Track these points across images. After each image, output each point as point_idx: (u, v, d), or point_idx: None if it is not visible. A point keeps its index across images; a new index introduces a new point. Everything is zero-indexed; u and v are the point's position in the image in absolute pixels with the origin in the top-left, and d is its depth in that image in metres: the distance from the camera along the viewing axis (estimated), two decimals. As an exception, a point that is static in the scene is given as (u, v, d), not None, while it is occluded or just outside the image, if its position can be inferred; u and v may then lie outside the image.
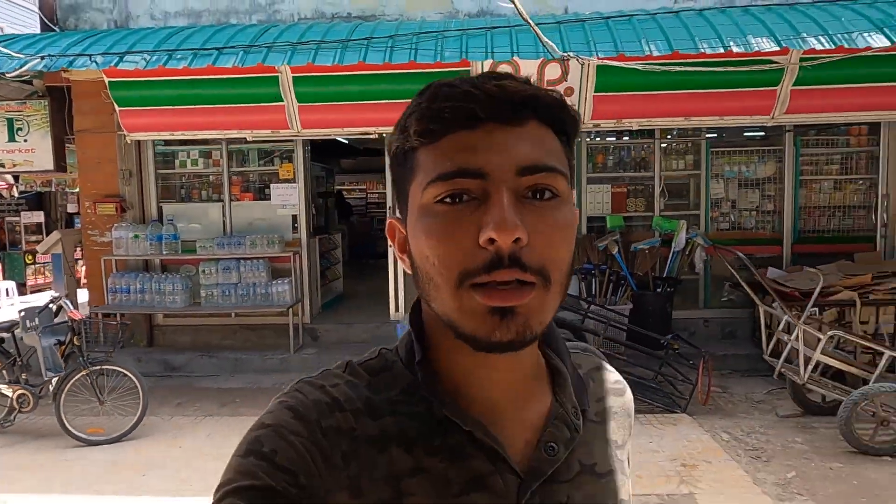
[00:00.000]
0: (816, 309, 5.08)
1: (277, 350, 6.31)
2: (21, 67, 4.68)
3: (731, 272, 4.94)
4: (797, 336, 4.13)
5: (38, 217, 13.77)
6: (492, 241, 0.51)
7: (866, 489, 3.55)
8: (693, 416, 4.65)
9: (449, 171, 0.54)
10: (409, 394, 0.60)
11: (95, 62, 4.76)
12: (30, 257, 12.88)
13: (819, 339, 4.01)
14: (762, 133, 6.41)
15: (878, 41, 4.40)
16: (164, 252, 6.40)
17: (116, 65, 4.79)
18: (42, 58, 4.71)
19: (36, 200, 14.01)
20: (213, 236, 6.49)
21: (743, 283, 4.66)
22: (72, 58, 4.81)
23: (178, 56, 4.80)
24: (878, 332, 5.08)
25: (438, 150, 0.55)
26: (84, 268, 7.24)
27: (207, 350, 6.38)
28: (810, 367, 4.06)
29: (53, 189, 13.45)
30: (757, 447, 4.15)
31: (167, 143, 6.62)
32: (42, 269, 13.00)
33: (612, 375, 0.72)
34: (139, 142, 6.44)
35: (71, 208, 14.46)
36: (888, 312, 5.06)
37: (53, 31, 6.30)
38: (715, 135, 6.39)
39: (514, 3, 3.40)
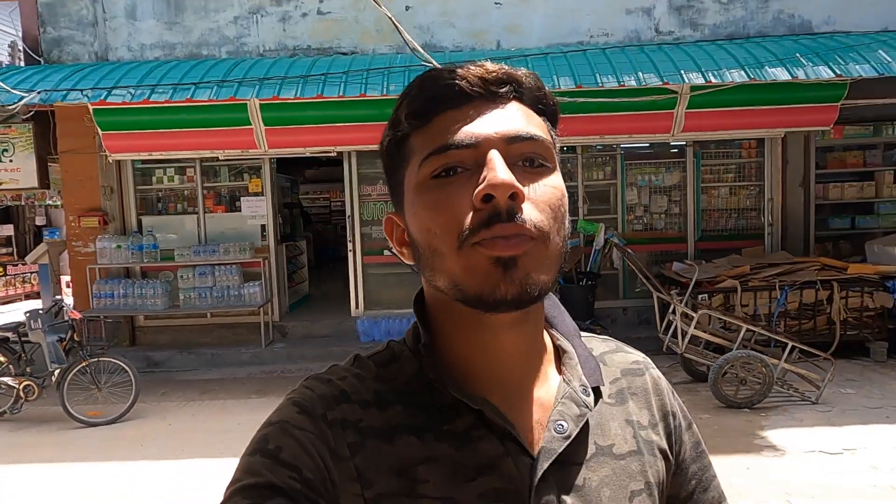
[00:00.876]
0: (706, 294, 6.14)
1: (250, 345, 7.07)
2: (20, 101, 5.36)
3: (635, 267, 5.93)
4: (678, 316, 5.12)
5: (8, 230, 14.11)
6: (487, 198, 0.53)
7: (723, 432, 4.54)
8: (603, 386, 5.61)
9: (442, 145, 0.56)
10: (416, 381, 0.60)
11: (86, 96, 5.48)
12: (0, 269, 13.21)
13: (692, 318, 5.01)
14: (672, 148, 7.46)
15: (739, 76, 5.46)
16: (145, 260, 7.10)
17: (105, 98, 5.52)
18: (38, 92, 5.40)
19: (4, 214, 14.31)
20: (190, 245, 7.22)
21: (640, 276, 5.64)
22: (65, 92, 5.52)
23: (160, 90, 5.55)
24: (756, 313, 6.13)
25: (430, 130, 0.57)
26: (68, 277, 7.85)
27: (186, 347, 7.10)
28: (686, 340, 5.06)
29: (23, 203, 13.82)
30: (648, 406, 5.12)
31: (145, 161, 7.31)
32: (13, 280, 13.35)
33: (630, 356, 0.72)
34: (119, 160, 7.12)
35: (39, 221, 14.82)
36: (763, 297, 6.12)
37: (38, 61, 6.95)
38: (629, 145, 7.42)
39: (426, 54, 4.29)
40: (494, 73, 0.58)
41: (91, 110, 6.39)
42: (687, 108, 6.46)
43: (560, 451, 0.58)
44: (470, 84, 0.57)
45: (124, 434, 4.91)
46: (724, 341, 5.11)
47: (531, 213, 0.54)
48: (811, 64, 5.52)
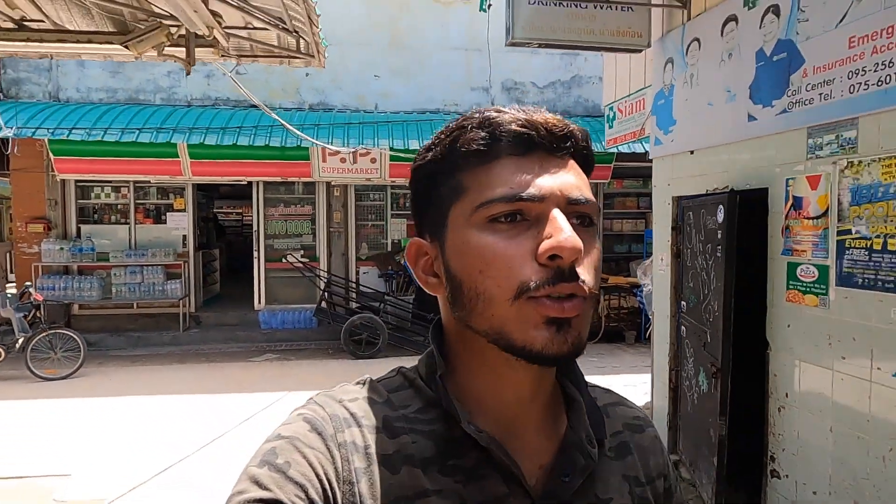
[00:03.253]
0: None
1: (170, 331, 8.88)
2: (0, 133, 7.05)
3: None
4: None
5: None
6: (553, 257, 0.55)
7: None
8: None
9: (509, 195, 0.57)
10: (427, 410, 0.61)
11: (52, 133, 7.23)
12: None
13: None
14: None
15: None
16: (83, 261, 8.76)
17: (68, 136, 7.29)
18: (13, 129, 7.10)
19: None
20: (122, 249, 8.95)
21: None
22: (33, 129, 7.25)
23: (111, 132, 7.40)
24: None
25: (490, 173, 0.58)
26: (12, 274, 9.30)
27: (116, 332, 8.80)
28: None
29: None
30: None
31: (86, 179, 8.99)
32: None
33: (631, 412, 0.74)
34: (64, 179, 8.77)
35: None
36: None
37: (-3, 96, 8.52)
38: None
39: (267, 109, 6.51)
40: (559, 129, 0.60)
41: (46, 140, 8.07)
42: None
43: (563, 500, 0.60)
44: (538, 135, 0.58)
45: (77, 385, 6.68)
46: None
47: (586, 275, 0.57)
48: (579, 140, 8.22)
